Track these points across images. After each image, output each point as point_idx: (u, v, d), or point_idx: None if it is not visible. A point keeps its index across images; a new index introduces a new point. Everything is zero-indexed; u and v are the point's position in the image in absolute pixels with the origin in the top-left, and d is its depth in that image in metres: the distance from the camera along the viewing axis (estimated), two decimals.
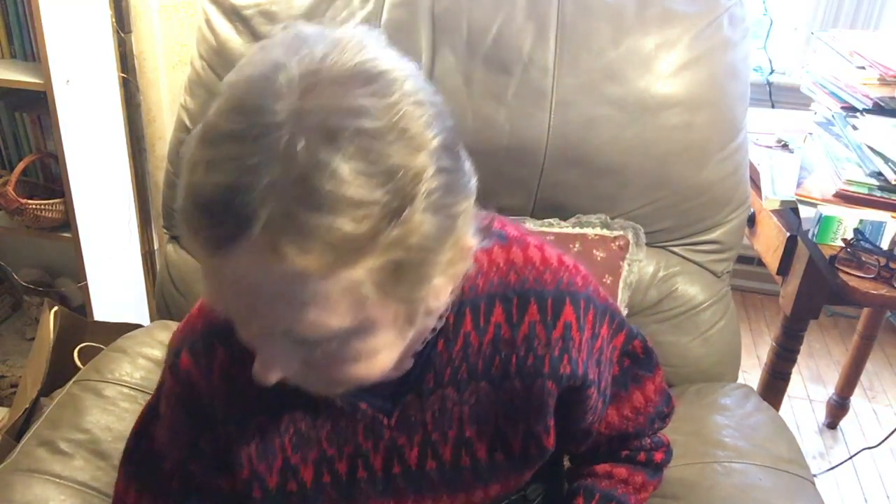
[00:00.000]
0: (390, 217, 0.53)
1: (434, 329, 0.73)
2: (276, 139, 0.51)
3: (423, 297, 0.60)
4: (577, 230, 1.25)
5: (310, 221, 0.51)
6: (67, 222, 1.84)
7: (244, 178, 0.51)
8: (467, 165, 0.61)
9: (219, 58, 1.25)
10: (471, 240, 0.62)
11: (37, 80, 1.70)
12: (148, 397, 1.13)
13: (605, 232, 1.25)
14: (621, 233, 1.24)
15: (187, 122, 1.29)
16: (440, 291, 0.62)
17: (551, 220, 1.27)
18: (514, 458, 0.81)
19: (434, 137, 0.56)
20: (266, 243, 0.51)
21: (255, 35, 1.23)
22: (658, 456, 0.94)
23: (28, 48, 1.82)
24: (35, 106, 1.92)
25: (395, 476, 0.79)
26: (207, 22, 1.27)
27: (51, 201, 1.84)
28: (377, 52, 0.57)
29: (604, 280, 1.24)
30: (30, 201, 1.83)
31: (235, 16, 1.25)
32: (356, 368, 0.61)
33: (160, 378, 0.83)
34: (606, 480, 0.91)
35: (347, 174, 0.51)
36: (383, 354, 0.62)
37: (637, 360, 0.89)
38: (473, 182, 0.61)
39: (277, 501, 0.79)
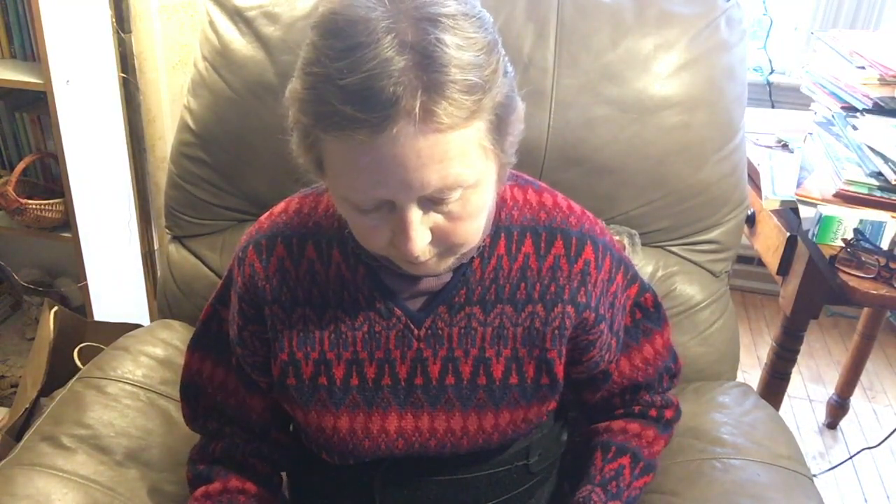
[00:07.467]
0: (491, 75, 0.67)
1: (479, 246, 0.85)
2: (389, 39, 0.63)
3: (508, 150, 0.74)
4: None
5: (448, 83, 0.64)
6: (67, 222, 1.85)
7: (381, 70, 0.63)
8: None
9: (222, 59, 1.25)
10: (521, 112, 0.75)
11: (37, 80, 1.70)
12: (149, 394, 1.16)
13: None
14: (617, 237, 1.24)
15: (190, 124, 1.29)
16: (511, 152, 0.76)
17: None
18: (525, 385, 0.88)
19: (491, 19, 0.71)
20: (423, 111, 0.63)
21: (257, 36, 1.23)
22: (668, 413, 1.02)
23: (28, 48, 1.82)
24: (35, 106, 1.93)
25: (416, 387, 0.88)
26: (211, 23, 1.27)
27: (51, 201, 1.84)
28: None
29: None
30: (30, 201, 1.83)
31: (238, 17, 1.25)
32: (467, 227, 0.74)
33: (228, 269, 0.94)
34: (621, 435, 0.99)
35: (457, 45, 0.65)
36: (483, 216, 0.76)
37: (647, 314, 0.99)
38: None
39: (307, 394, 0.88)
